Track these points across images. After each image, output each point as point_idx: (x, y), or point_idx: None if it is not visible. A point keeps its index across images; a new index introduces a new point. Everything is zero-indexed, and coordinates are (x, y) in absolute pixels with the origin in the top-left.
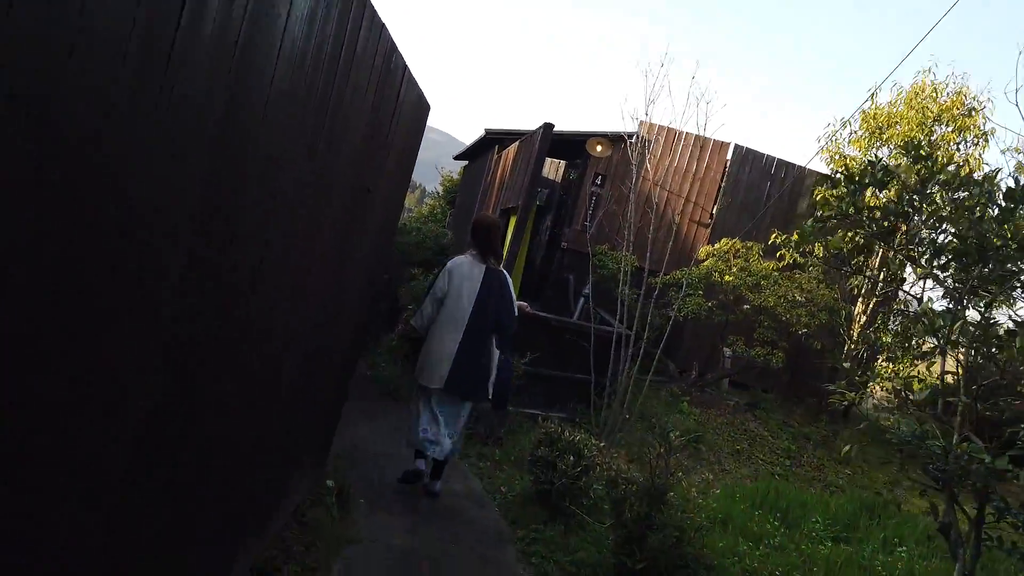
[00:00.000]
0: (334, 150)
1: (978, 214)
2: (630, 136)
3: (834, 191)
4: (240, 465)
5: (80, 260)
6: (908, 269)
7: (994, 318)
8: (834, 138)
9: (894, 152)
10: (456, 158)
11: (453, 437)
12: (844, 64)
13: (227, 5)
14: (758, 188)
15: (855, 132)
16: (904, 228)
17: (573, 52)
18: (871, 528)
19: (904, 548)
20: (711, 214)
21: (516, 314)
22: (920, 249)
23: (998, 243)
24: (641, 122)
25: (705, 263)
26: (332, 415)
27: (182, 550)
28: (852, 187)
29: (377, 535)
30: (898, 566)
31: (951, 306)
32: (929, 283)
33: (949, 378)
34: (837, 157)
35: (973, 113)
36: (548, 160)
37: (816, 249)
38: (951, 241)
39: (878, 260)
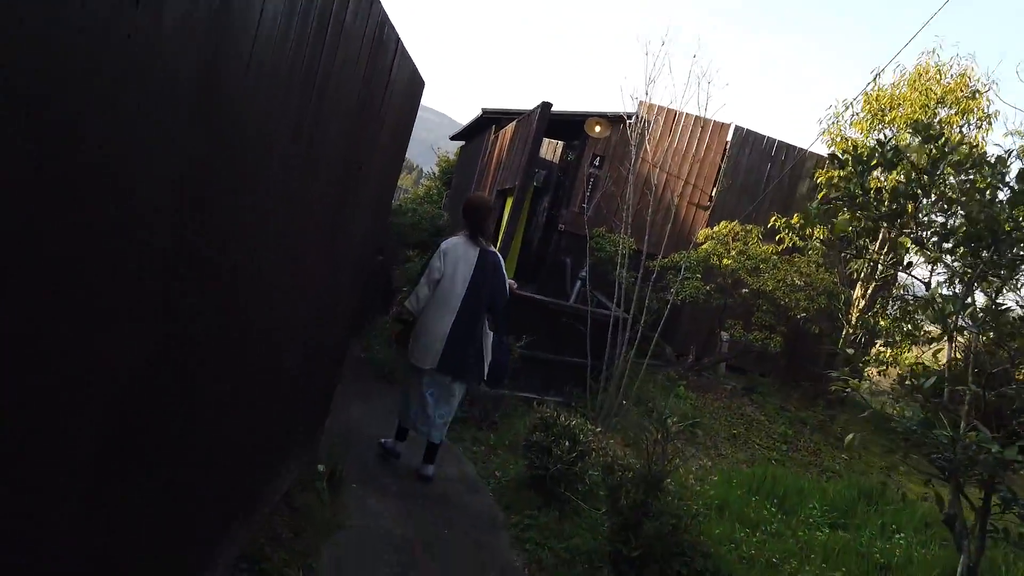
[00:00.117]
0: (322, 126)
1: (988, 196)
2: (629, 116)
3: (841, 172)
4: (225, 449)
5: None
6: (911, 254)
7: (1004, 304)
8: (836, 120)
9: (899, 133)
10: (453, 138)
11: (445, 418)
12: (848, 47)
13: None
14: (758, 170)
15: (857, 114)
16: (912, 210)
17: (572, 29)
18: (869, 514)
19: (902, 535)
20: (710, 197)
21: (508, 295)
22: (928, 232)
23: (1008, 227)
24: (641, 102)
25: (704, 246)
26: (324, 397)
27: (162, 537)
28: (860, 168)
29: (369, 520)
30: (896, 553)
31: (956, 291)
32: (938, 267)
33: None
34: (839, 139)
35: (977, 95)
36: (546, 141)
37: (816, 232)
38: (961, 224)
39: (878, 243)
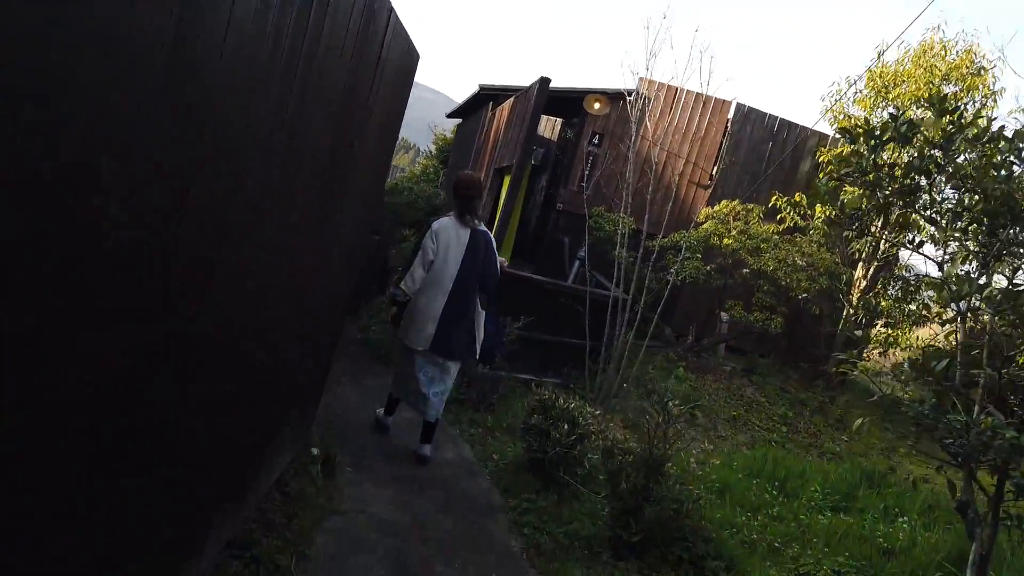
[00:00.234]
0: (308, 104)
1: (1004, 173)
2: (629, 93)
3: (852, 147)
4: (213, 433)
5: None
6: (919, 233)
7: (1022, 285)
8: (839, 98)
9: (903, 111)
10: (449, 116)
11: (441, 396)
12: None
13: None
14: (760, 149)
15: (860, 92)
16: (927, 187)
17: (572, 3)
18: (871, 498)
19: (905, 519)
20: (711, 175)
21: (500, 273)
22: (942, 209)
23: None
24: (641, 78)
25: (704, 226)
26: (318, 380)
27: (145, 523)
28: (872, 142)
29: (363, 505)
30: (899, 537)
31: (968, 271)
32: (950, 246)
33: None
34: (842, 117)
35: (982, 72)
36: (544, 118)
37: (819, 211)
38: (977, 201)
39: (881, 222)
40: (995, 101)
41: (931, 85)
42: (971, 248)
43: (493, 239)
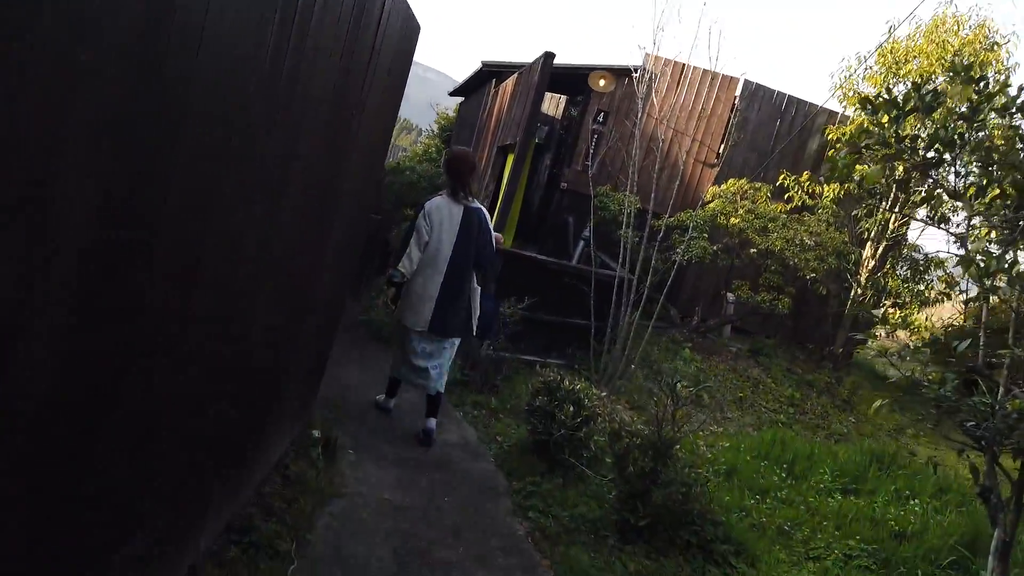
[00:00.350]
0: (306, 69)
1: None
2: (635, 70)
3: (872, 119)
4: (207, 414)
5: None
6: (922, 211)
7: None
8: (849, 75)
9: (923, 85)
10: (452, 94)
11: (440, 369)
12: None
13: None
14: (767, 127)
15: (870, 68)
16: (950, 160)
17: None
18: (881, 480)
19: (916, 501)
20: (718, 154)
21: (496, 249)
22: (965, 183)
23: None
24: (647, 54)
25: (711, 205)
26: (318, 361)
27: (140, 507)
28: (895, 113)
29: (365, 488)
30: (911, 520)
31: (990, 247)
32: (974, 221)
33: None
34: (851, 94)
35: (995, 47)
36: (548, 95)
37: (828, 190)
38: (1006, 174)
39: (890, 200)
40: (1008, 77)
41: (943, 61)
42: (995, 223)
43: (488, 215)
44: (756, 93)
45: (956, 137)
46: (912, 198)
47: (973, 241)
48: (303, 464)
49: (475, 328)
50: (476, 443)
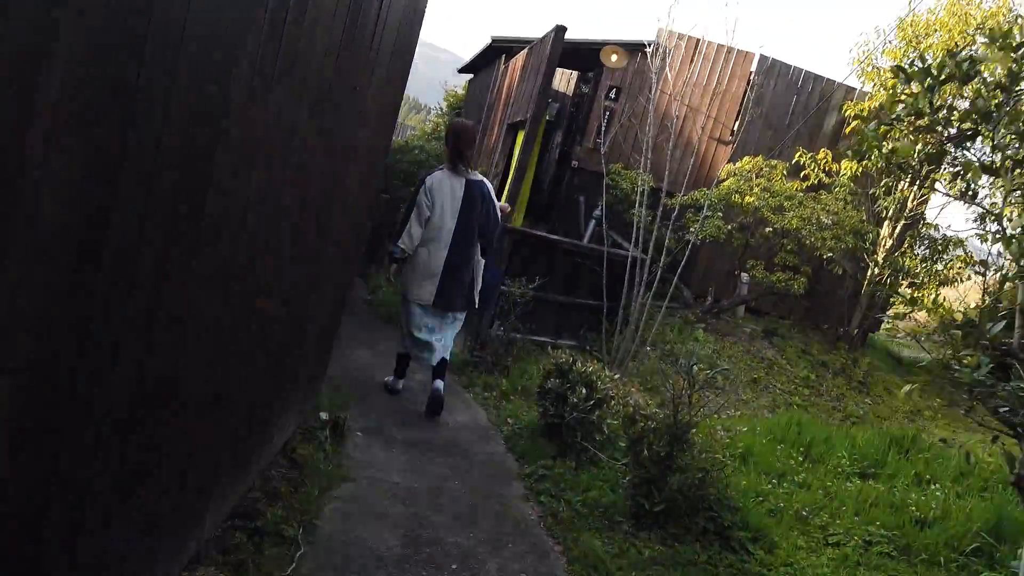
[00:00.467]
0: (306, 42)
1: None
2: (648, 45)
3: (907, 88)
4: (212, 397)
5: None
6: (950, 187)
7: None
8: (869, 49)
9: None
10: (461, 71)
11: (446, 340)
12: None
13: None
14: (783, 103)
15: (889, 42)
16: (986, 131)
17: None
18: (900, 464)
19: (937, 486)
20: (733, 131)
21: (500, 219)
22: (1001, 156)
23: None
24: (660, 29)
25: (726, 183)
26: (325, 342)
27: (139, 492)
28: (929, 82)
29: (374, 472)
30: (932, 505)
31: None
32: (1011, 197)
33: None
34: (870, 69)
35: (1020, 20)
36: (559, 71)
37: (845, 167)
38: None
39: (909, 179)
40: None
41: (965, 35)
42: None
43: (490, 186)
44: (772, 68)
45: (993, 107)
46: (936, 175)
47: (1011, 219)
48: (311, 447)
49: (476, 300)
50: (486, 425)
